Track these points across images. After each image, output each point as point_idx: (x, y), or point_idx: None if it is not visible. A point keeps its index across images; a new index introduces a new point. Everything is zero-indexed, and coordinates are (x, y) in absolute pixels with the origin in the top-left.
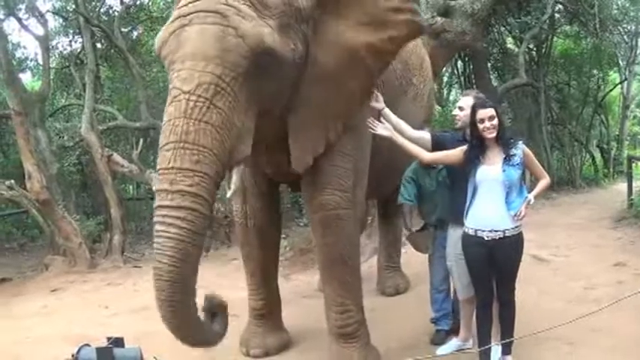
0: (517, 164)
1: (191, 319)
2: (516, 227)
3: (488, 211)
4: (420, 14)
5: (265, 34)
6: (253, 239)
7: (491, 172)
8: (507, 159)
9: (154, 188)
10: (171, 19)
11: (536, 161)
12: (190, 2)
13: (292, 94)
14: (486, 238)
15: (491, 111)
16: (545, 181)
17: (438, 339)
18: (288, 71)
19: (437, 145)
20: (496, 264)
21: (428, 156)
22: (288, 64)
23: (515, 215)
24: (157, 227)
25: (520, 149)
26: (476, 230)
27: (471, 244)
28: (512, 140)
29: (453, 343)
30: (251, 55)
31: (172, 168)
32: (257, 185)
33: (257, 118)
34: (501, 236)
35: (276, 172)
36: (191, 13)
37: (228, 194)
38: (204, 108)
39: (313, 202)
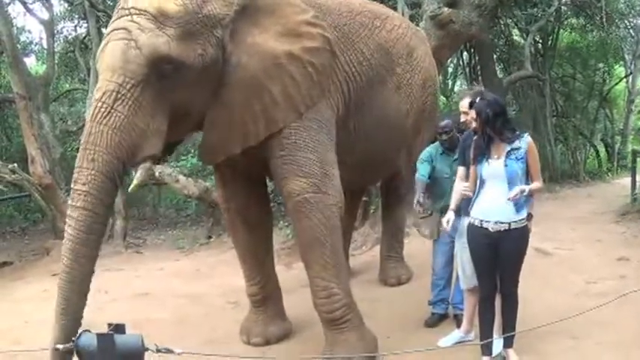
0: (521, 158)
1: (76, 321)
2: (522, 220)
3: (493, 203)
4: (327, 30)
5: (160, 43)
6: (237, 222)
7: (495, 166)
8: (510, 152)
9: (156, 174)
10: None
11: (537, 161)
12: (112, 21)
13: (214, 95)
14: (491, 230)
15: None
16: (538, 184)
17: (431, 321)
18: (197, 75)
19: (469, 160)
20: (500, 256)
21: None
22: (195, 69)
23: (508, 198)
24: (65, 228)
25: (525, 142)
26: (481, 221)
27: (476, 234)
28: (517, 133)
29: (455, 335)
30: (148, 64)
31: (79, 167)
32: (232, 171)
33: (182, 119)
34: (507, 228)
35: (242, 165)
36: (110, 32)
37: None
38: (106, 112)
39: (282, 191)
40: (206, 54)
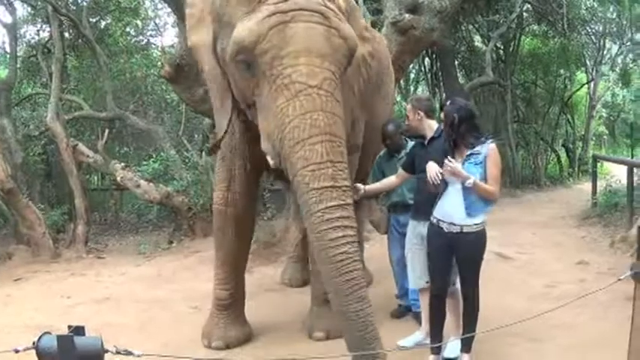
0: (479, 163)
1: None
2: (476, 225)
3: (449, 205)
4: None
5: (355, 38)
6: (229, 226)
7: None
8: (470, 157)
9: (118, 178)
10: (264, 13)
11: (495, 167)
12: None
13: None
14: (446, 230)
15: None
16: (491, 187)
17: (398, 313)
18: None
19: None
20: (457, 259)
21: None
22: None
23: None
24: (334, 234)
25: (486, 148)
26: (438, 220)
27: (433, 233)
28: (482, 139)
29: (415, 337)
30: (349, 56)
31: (327, 161)
32: (246, 173)
33: None
34: (459, 231)
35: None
36: (292, 11)
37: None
38: (334, 102)
39: None
40: None
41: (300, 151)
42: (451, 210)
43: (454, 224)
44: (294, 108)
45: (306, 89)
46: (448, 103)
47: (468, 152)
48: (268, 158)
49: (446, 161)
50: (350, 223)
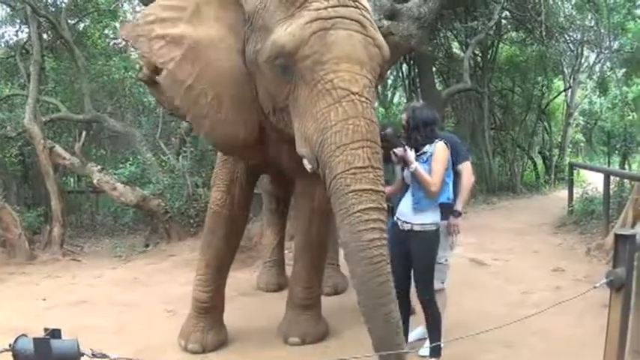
0: (425, 161)
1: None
2: (424, 224)
3: (403, 203)
4: None
5: (388, 48)
6: (221, 228)
7: (407, 170)
8: (419, 157)
9: (95, 181)
10: (306, 19)
11: (437, 162)
12: (329, 6)
13: None
14: (400, 227)
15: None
16: (429, 178)
17: None
18: None
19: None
20: (411, 259)
21: None
22: None
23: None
24: (372, 235)
25: (433, 147)
26: (397, 218)
27: (394, 230)
28: (434, 140)
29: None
30: (382, 64)
31: (369, 167)
32: (247, 177)
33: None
34: (409, 229)
35: (289, 167)
36: (333, 18)
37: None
38: (371, 109)
39: (305, 194)
40: None
41: (341, 156)
42: (403, 207)
43: (406, 222)
44: (337, 113)
45: (348, 95)
46: (408, 109)
47: (419, 152)
48: (305, 162)
49: (399, 148)
50: (384, 226)
